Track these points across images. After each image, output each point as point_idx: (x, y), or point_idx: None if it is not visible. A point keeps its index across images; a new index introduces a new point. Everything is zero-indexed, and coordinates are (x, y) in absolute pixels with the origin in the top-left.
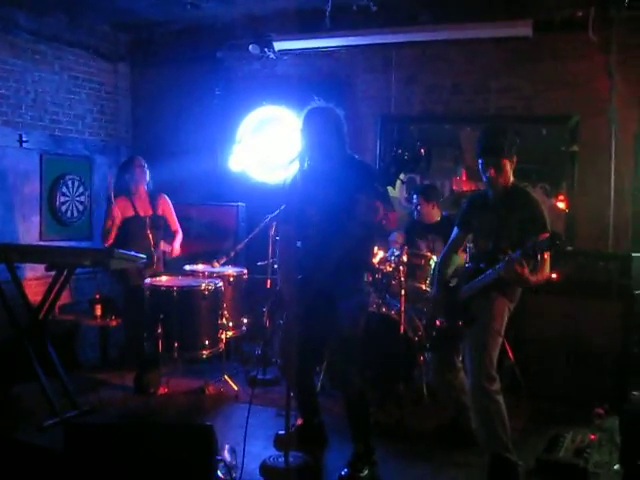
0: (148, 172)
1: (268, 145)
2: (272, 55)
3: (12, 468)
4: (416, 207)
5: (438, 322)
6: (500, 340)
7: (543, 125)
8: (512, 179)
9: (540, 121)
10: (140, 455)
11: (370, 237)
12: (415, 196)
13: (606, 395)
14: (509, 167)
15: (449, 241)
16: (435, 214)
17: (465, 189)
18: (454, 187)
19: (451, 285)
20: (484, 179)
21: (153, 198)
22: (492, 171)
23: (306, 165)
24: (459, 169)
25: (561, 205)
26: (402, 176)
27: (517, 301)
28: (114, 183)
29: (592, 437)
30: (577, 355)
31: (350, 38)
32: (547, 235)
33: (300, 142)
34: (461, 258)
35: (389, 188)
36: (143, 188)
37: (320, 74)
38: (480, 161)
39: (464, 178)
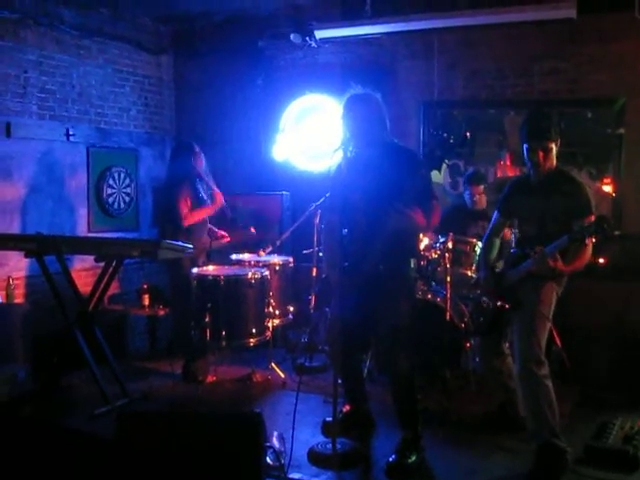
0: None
1: (311, 134)
2: (313, 43)
3: (64, 456)
4: (472, 197)
5: (485, 305)
6: (548, 325)
7: (588, 108)
8: (556, 163)
9: (585, 104)
10: (190, 442)
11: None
12: (469, 185)
13: None
14: (555, 150)
15: (490, 225)
16: (484, 200)
17: (510, 174)
18: (498, 172)
19: (497, 270)
20: (529, 164)
21: None
22: (541, 154)
23: (350, 153)
24: (503, 154)
25: (607, 189)
26: (447, 160)
27: (564, 285)
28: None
29: None
30: (625, 341)
31: (391, 25)
32: (593, 218)
33: (342, 130)
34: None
35: (434, 172)
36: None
37: (362, 61)
38: (526, 146)
39: (508, 163)
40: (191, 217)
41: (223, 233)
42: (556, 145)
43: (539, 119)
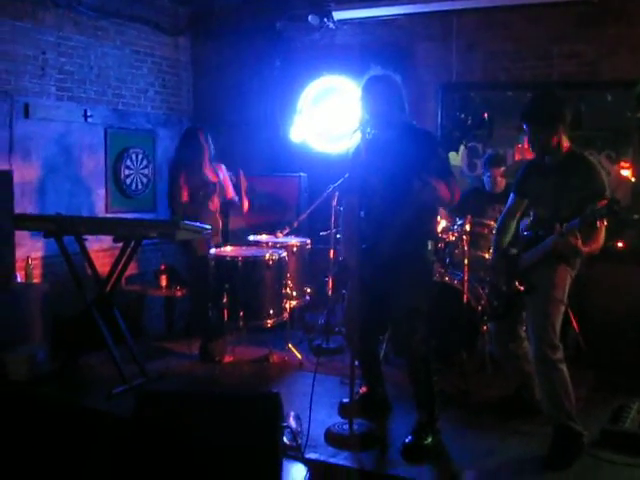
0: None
1: (329, 115)
2: (332, 25)
3: (83, 434)
4: (492, 179)
5: (500, 287)
6: (562, 308)
7: (608, 91)
8: (567, 144)
9: (605, 87)
10: (208, 422)
11: (433, 206)
12: (488, 168)
13: None
14: (557, 132)
15: (505, 208)
16: (503, 183)
17: (528, 157)
18: (517, 155)
19: (511, 253)
20: (532, 149)
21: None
22: (541, 140)
23: (368, 134)
24: (522, 137)
25: (627, 173)
26: (465, 142)
27: (578, 268)
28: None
29: None
30: None
31: (410, 6)
32: (605, 202)
33: (361, 111)
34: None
35: (452, 154)
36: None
37: (380, 43)
38: (527, 130)
39: (527, 146)
40: (190, 206)
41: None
42: (558, 126)
43: (541, 101)
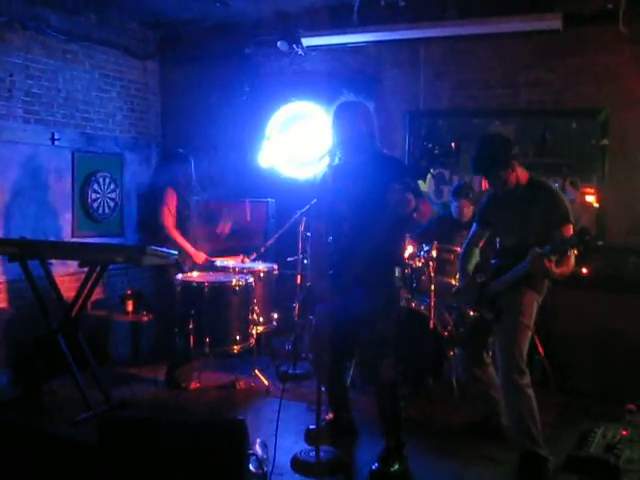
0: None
1: (297, 141)
2: (300, 51)
3: (47, 461)
4: (459, 210)
5: (467, 313)
6: (530, 333)
7: (573, 119)
8: (525, 174)
9: (570, 115)
10: (173, 449)
11: (401, 232)
12: (455, 198)
13: (637, 391)
14: (509, 173)
15: (469, 236)
16: (470, 212)
17: None
18: (483, 184)
19: (479, 281)
20: (493, 188)
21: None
22: (493, 184)
23: (337, 160)
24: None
25: (591, 199)
26: (432, 170)
27: (545, 294)
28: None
29: (624, 433)
30: (608, 350)
31: (378, 34)
32: (570, 228)
33: (331, 137)
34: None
35: (420, 182)
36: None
37: (348, 70)
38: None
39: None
40: (173, 231)
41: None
42: (508, 169)
43: (482, 152)
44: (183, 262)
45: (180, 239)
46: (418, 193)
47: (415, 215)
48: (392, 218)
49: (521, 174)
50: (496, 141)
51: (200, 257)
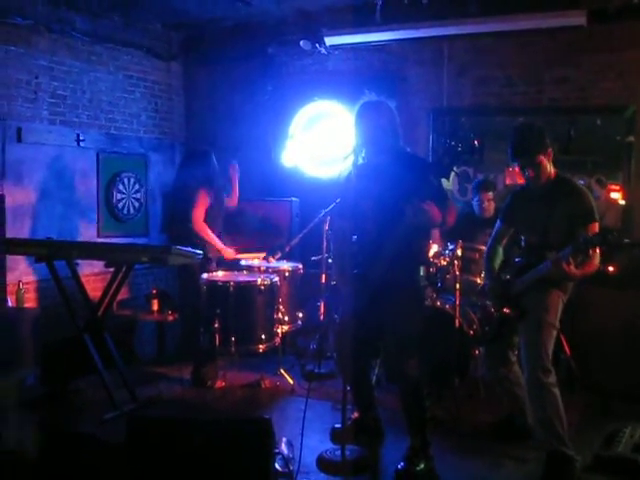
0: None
1: (320, 140)
2: (323, 50)
3: (74, 460)
4: (480, 204)
5: (494, 310)
6: (555, 333)
7: (598, 116)
8: (554, 170)
9: (595, 112)
10: (199, 448)
11: (425, 231)
12: (478, 192)
13: None
14: (546, 162)
15: (493, 233)
16: (492, 207)
17: (519, 181)
18: (507, 179)
19: (504, 279)
20: (524, 178)
21: None
22: (530, 172)
23: (361, 160)
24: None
25: (617, 196)
26: (455, 168)
27: (570, 292)
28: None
29: None
30: (635, 348)
31: (401, 32)
32: (596, 227)
33: (354, 137)
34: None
35: (443, 180)
36: None
37: (371, 68)
38: (515, 163)
39: (517, 170)
40: (202, 227)
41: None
42: (546, 155)
43: (522, 136)
44: (210, 259)
45: (209, 235)
46: (443, 197)
47: (444, 226)
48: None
49: (550, 170)
50: (534, 127)
51: (229, 253)
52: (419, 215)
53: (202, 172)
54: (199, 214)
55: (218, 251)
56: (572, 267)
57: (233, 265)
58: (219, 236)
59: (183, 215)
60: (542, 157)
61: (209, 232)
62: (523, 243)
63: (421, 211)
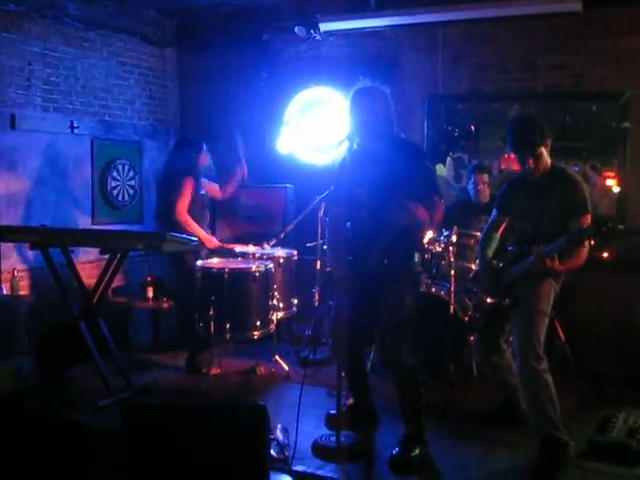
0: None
1: (315, 126)
2: (318, 36)
3: (70, 447)
4: (475, 186)
5: (485, 297)
6: (547, 320)
7: (593, 102)
8: (550, 161)
9: (590, 98)
10: (194, 434)
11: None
12: (473, 174)
13: None
14: (545, 153)
15: (489, 221)
16: (487, 191)
17: (514, 168)
18: (502, 165)
19: (496, 267)
20: (523, 168)
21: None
22: (531, 162)
23: (355, 146)
24: (508, 148)
25: (612, 183)
26: (451, 154)
27: (562, 280)
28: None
29: None
30: (629, 335)
31: (396, 18)
32: (588, 218)
33: (348, 123)
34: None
35: (439, 166)
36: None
37: (366, 54)
38: (515, 155)
39: (512, 156)
40: (185, 217)
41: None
42: (546, 146)
43: (522, 128)
44: (199, 249)
45: (192, 225)
46: (434, 191)
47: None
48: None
49: (546, 161)
50: (533, 119)
51: (212, 242)
52: (404, 216)
53: (189, 161)
54: (183, 204)
55: (202, 242)
56: (556, 263)
57: (228, 252)
58: (207, 225)
59: (170, 203)
60: (542, 149)
61: (191, 222)
62: (516, 232)
63: (407, 212)
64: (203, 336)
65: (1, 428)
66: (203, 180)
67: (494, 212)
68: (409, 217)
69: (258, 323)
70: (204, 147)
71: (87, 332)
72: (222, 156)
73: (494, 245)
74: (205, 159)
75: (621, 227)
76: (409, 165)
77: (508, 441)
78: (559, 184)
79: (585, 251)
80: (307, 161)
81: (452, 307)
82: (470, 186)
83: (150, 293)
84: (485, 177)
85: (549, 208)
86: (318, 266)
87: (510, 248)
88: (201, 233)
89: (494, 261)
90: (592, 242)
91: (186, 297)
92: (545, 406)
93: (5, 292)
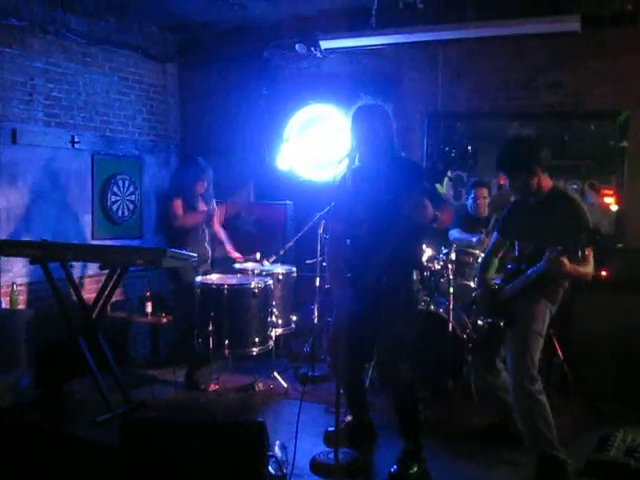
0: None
1: (315, 143)
2: (318, 54)
3: (68, 462)
4: (475, 200)
5: (481, 322)
6: (541, 341)
7: (592, 121)
8: (550, 182)
9: (589, 117)
10: (193, 450)
11: (419, 235)
12: (473, 188)
13: None
14: (534, 176)
15: (489, 245)
16: (486, 205)
17: None
18: (501, 180)
19: (492, 286)
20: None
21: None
22: (517, 184)
23: (356, 163)
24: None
25: (610, 201)
26: (449, 173)
27: (559, 302)
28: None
29: None
30: (627, 353)
31: (396, 36)
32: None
33: (349, 140)
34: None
35: (437, 185)
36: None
37: (366, 72)
38: (505, 176)
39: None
40: (184, 219)
41: (238, 255)
42: (530, 172)
43: (507, 150)
44: (197, 265)
45: (192, 217)
46: (437, 197)
47: (435, 225)
48: (410, 221)
49: (545, 182)
50: (524, 144)
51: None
52: (418, 208)
53: (184, 184)
54: (176, 211)
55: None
56: (570, 265)
57: (227, 268)
58: (207, 242)
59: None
60: (522, 175)
61: (190, 217)
62: (517, 251)
63: (417, 202)
64: (202, 352)
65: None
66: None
67: (495, 235)
68: (420, 208)
69: (257, 339)
70: (204, 175)
71: (86, 347)
72: (220, 172)
73: (493, 269)
74: (202, 187)
75: (619, 245)
76: (409, 183)
77: (506, 459)
78: (561, 206)
79: (591, 261)
80: (307, 178)
81: (450, 325)
82: (470, 201)
83: (149, 308)
84: (485, 191)
85: (550, 228)
86: (317, 283)
87: (509, 266)
88: (199, 218)
89: (492, 282)
90: (588, 253)
91: (184, 313)
92: (539, 426)
93: (4, 306)
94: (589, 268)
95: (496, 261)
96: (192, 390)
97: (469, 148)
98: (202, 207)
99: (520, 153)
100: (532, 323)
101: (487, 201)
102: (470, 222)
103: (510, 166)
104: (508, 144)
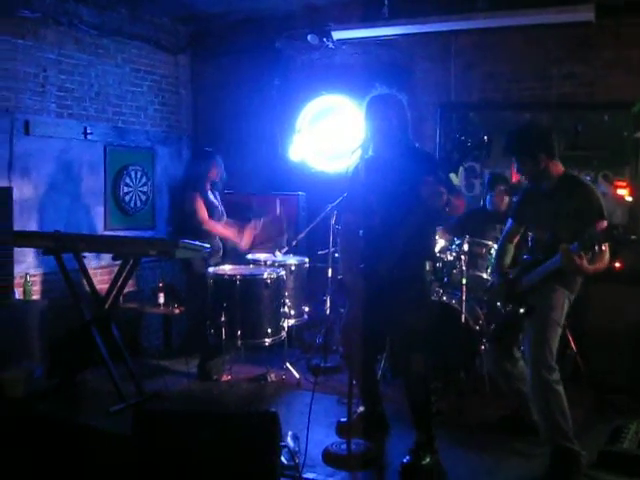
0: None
1: (327, 134)
2: (331, 44)
3: (81, 452)
4: (493, 198)
5: (500, 308)
6: (559, 331)
7: (605, 111)
8: (561, 168)
9: (602, 107)
10: (206, 441)
11: (432, 225)
12: (491, 188)
13: None
14: (540, 162)
15: (504, 232)
16: (506, 201)
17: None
18: (513, 175)
19: (510, 276)
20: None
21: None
22: (523, 170)
23: (369, 153)
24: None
25: (624, 192)
26: (464, 163)
27: (577, 291)
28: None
29: None
30: None
31: (408, 26)
32: (604, 224)
33: (363, 130)
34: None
35: (452, 176)
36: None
37: (379, 63)
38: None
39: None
40: (210, 225)
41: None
42: (535, 159)
43: (515, 134)
44: (209, 256)
45: (220, 229)
46: (451, 187)
47: (447, 209)
48: (423, 212)
49: (555, 168)
50: (533, 129)
51: (245, 241)
52: (434, 194)
53: (197, 175)
54: (202, 215)
55: (234, 243)
56: (584, 261)
57: (239, 258)
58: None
59: (185, 214)
60: (526, 159)
61: (219, 227)
62: (531, 240)
63: (432, 186)
64: (214, 342)
65: (13, 432)
66: (227, 220)
67: (509, 221)
68: (436, 194)
69: (269, 330)
70: (215, 161)
71: (99, 337)
72: (232, 163)
73: (509, 256)
74: (215, 173)
75: (633, 237)
76: (422, 174)
77: (519, 450)
78: (574, 191)
79: (606, 254)
80: (319, 169)
81: (463, 316)
82: (489, 199)
83: (161, 299)
84: (502, 188)
85: (564, 214)
86: (330, 274)
87: (525, 257)
88: (231, 234)
89: (509, 271)
90: (604, 247)
91: (196, 303)
92: (556, 417)
93: (18, 297)
94: (604, 262)
95: (511, 247)
96: (204, 381)
97: (485, 138)
98: (215, 201)
99: (528, 137)
100: (551, 312)
101: (506, 199)
102: (487, 217)
103: (518, 150)
104: (518, 129)
